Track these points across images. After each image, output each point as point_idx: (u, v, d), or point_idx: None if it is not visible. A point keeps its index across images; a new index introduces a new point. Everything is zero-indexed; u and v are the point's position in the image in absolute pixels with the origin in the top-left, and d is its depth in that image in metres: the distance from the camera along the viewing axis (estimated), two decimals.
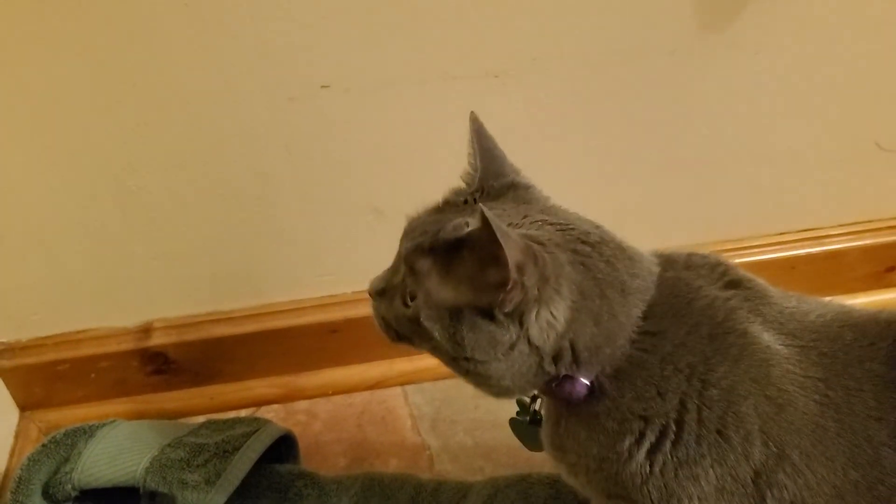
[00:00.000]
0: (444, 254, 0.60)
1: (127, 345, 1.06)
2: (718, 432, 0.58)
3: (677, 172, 1.05)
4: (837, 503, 0.56)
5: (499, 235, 0.53)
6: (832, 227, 1.13)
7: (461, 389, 1.14)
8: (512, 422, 0.79)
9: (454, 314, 0.59)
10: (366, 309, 1.08)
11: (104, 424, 0.96)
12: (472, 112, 0.69)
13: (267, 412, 1.11)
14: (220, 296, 1.07)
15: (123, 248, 1.01)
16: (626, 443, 0.60)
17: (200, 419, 1.08)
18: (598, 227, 0.65)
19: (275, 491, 0.96)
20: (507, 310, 0.57)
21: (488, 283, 0.57)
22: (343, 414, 1.10)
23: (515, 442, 1.05)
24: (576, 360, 0.61)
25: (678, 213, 1.09)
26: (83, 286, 1.03)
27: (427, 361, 1.12)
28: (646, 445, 0.60)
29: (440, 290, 0.60)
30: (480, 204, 0.59)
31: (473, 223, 0.60)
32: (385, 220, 1.02)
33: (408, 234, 0.65)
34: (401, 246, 0.66)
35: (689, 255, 0.66)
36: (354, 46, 0.88)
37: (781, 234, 1.13)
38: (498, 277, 0.56)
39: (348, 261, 1.06)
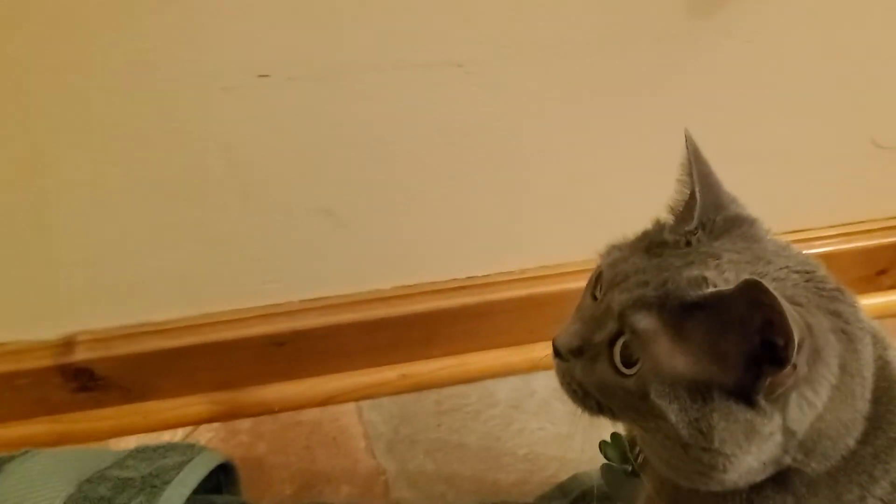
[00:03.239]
0: (676, 314, 0.48)
1: (47, 360, 0.95)
2: None
3: (658, 170, 0.96)
4: None
5: (786, 311, 0.42)
6: (823, 227, 1.07)
7: (422, 405, 1.07)
8: (605, 468, 0.67)
9: (697, 393, 0.47)
10: (315, 319, 1.01)
11: (14, 457, 0.84)
12: (686, 129, 0.56)
13: (206, 431, 1.01)
14: (152, 305, 0.96)
15: (40, 253, 0.90)
16: None
17: (133, 439, 0.99)
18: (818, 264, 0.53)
19: None
20: (774, 395, 0.46)
21: (740, 356, 0.46)
22: (290, 434, 1.00)
23: (481, 465, 0.98)
24: (813, 450, 0.50)
25: (659, 213, 1.01)
26: None
27: (384, 374, 1.06)
28: None
29: (672, 359, 0.48)
30: (755, 279, 0.43)
31: (714, 278, 0.48)
32: (336, 221, 0.92)
33: (616, 281, 0.52)
34: (604, 294, 0.53)
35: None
36: (298, 30, 0.78)
37: None
38: (745, 350, 0.45)
39: (295, 266, 0.96)
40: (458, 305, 1.01)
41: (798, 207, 1.05)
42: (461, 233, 0.98)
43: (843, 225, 1.08)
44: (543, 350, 1.05)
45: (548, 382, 1.04)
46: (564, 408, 1.01)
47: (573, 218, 0.98)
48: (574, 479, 0.92)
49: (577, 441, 0.99)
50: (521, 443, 0.99)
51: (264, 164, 0.87)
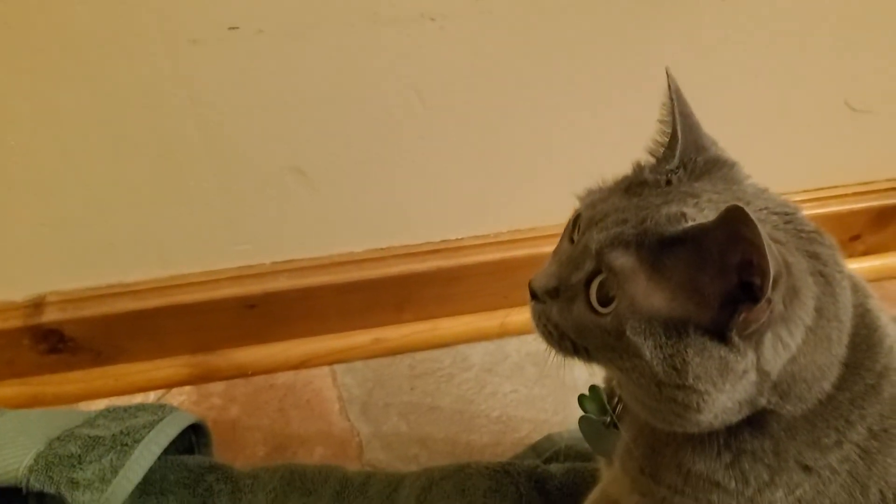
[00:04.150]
0: (653, 251, 0.48)
1: (15, 321, 0.94)
2: (863, 486, 0.51)
3: (631, 130, 0.96)
4: None
5: (765, 242, 0.42)
6: (796, 192, 1.07)
7: (395, 369, 1.07)
8: (584, 421, 0.67)
9: (672, 330, 0.47)
10: (287, 281, 1.00)
11: None
12: (667, 68, 0.56)
13: (178, 395, 1.00)
14: (122, 266, 0.95)
15: (7, 213, 0.88)
16: (776, 495, 0.51)
17: (103, 403, 0.98)
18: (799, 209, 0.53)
19: (182, 486, 0.86)
20: (748, 331, 0.46)
21: (717, 294, 0.46)
22: (263, 397, 1.00)
23: (454, 427, 0.98)
24: (788, 393, 0.50)
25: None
26: None
27: (359, 338, 1.05)
28: (793, 497, 0.51)
29: (649, 296, 0.48)
30: (739, 204, 0.43)
31: (693, 214, 0.48)
32: (307, 182, 0.91)
33: (595, 220, 0.52)
34: (581, 234, 0.53)
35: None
36: None
37: None
38: (722, 288, 0.45)
39: (267, 228, 0.95)
40: (431, 269, 1.01)
41: (771, 171, 1.02)
42: (435, 195, 0.97)
43: (817, 190, 1.08)
44: (517, 314, 1.06)
45: (521, 346, 1.05)
46: (537, 370, 1.02)
47: (547, 181, 0.98)
48: (547, 439, 0.93)
49: (550, 403, 0.99)
50: (494, 405, 0.99)
51: (234, 121, 0.85)
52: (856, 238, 1.12)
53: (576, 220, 0.55)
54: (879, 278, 1.15)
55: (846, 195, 1.08)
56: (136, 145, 0.85)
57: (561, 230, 0.58)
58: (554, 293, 0.53)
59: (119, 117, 0.83)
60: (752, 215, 0.42)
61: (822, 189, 1.08)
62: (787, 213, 0.51)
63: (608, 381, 0.66)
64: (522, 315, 1.09)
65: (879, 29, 0.94)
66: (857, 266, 1.12)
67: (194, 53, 0.79)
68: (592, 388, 0.67)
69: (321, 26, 0.80)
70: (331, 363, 1.03)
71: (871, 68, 0.97)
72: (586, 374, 0.63)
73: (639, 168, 0.56)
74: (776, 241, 0.47)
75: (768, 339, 0.47)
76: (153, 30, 0.77)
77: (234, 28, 0.78)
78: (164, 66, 0.80)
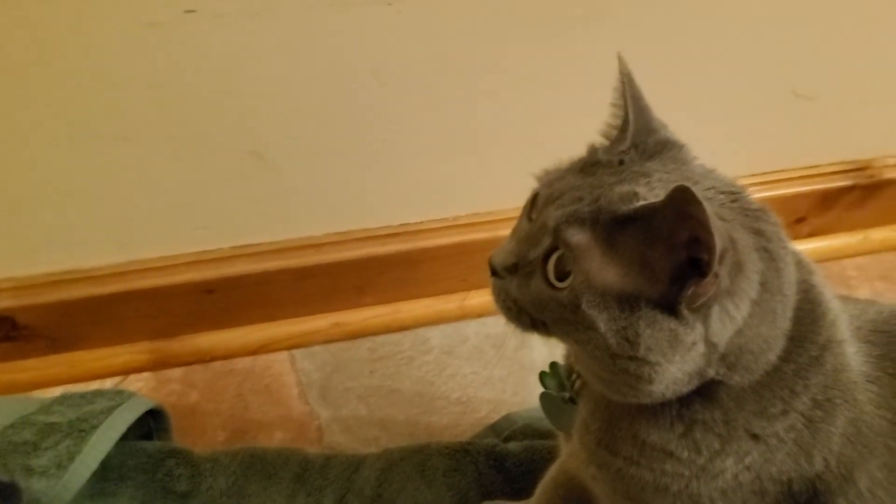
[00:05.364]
0: (607, 228, 0.50)
1: None
2: (807, 453, 0.53)
3: (585, 114, 0.97)
4: None
5: (711, 219, 0.44)
6: (744, 176, 1.07)
7: (355, 352, 1.07)
8: (544, 397, 0.68)
9: (625, 304, 0.49)
10: (246, 266, 0.99)
11: None
12: (619, 54, 0.57)
13: (136, 381, 0.99)
14: (78, 251, 0.94)
15: None
16: (726, 463, 0.53)
17: (59, 390, 0.96)
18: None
19: (142, 472, 0.85)
20: (696, 305, 0.48)
21: (667, 269, 0.48)
22: (222, 382, 1.00)
23: (414, 409, 0.99)
24: (735, 364, 0.52)
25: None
26: None
27: (318, 322, 1.05)
28: (742, 465, 0.53)
29: (603, 271, 0.50)
30: (686, 184, 0.45)
31: (645, 193, 0.50)
32: (266, 165, 0.91)
33: (552, 198, 0.54)
34: (539, 212, 0.54)
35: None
36: None
37: None
38: (671, 264, 0.47)
39: (225, 212, 0.95)
40: (391, 252, 1.01)
41: (719, 156, 1.05)
42: (394, 179, 0.97)
43: (764, 174, 1.11)
44: (477, 297, 1.07)
45: (480, 329, 1.06)
46: (496, 352, 1.04)
47: (505, 164, 0.98)
48: (506, 418, 0.94)
49: (509, 383, 1.01)
50: (453, 387, 1.00)
51: (192, 104, 0.85)
52: (801, 220, 1.15)
53: (534, 199, 0.57)
54: (823, 259, 1.18)
55: (792, 178, 1.12)
56: (91, 128, 0.84)
57: (519, 213, 0.60)
58: (513, 269, 0.55)
59: (73, 100, 0.82)
60: (699, 194, 0.43)
61: (769, 173, 1.11)
62: (733, 193, 0.54)
63: (567, 358, 0.68)
64: (482, 297, 1.11)
65: (824, 19, 0.97)
66: (803, 248, 1.12)
67: (151, 36, 0.78)
68: (552, 365, 0.68)
69: (279, 9, 0.80)
70: (290, 348, 1.04)
71: (815, 56, 1.00)
72: (544, 355, 0.65)
73: (593, 149, 0.57)
74: (722, 218, 0.49)
75: (715, 311, 0.49)
76: (109, 12, 0.76)
77: (190, 11, 0.78)
78: (120, 49, 0.79)
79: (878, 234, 1.21)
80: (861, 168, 1.13)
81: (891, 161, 1.14)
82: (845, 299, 0.60)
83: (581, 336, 0.51)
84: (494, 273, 0.56)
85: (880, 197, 1.15)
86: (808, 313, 0.55)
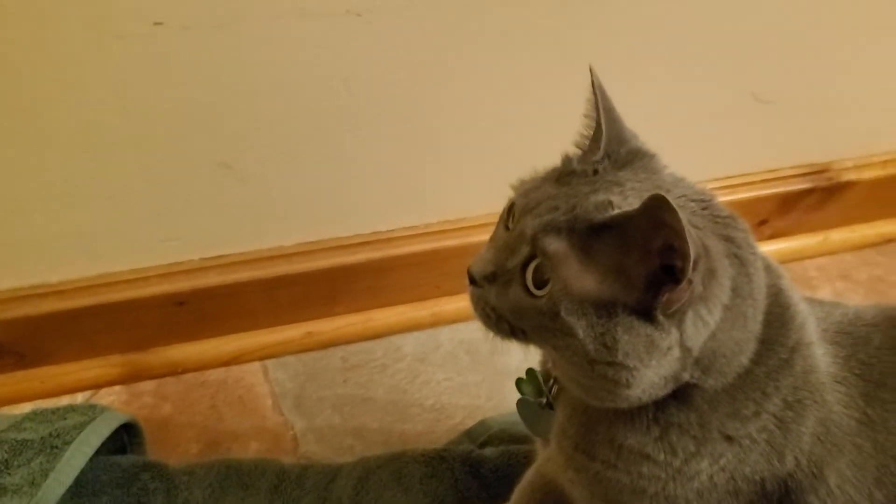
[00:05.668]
0: (584, 236, 0.51)
1: None
2: (779, 453, 0.55)
3: (555, 123, 0.98)
4: None
5: (685, 227, 0.45)
6: (707, 180, 1.11)
7: (328, 362, 1.07)
8: (521, 403, 0.69)
9: (603, 310, 0.50)
10: (217, 277, 0.99)
11: None
12: (590, 66, 0.58)
13: (108, 395, 0.99)
14: (46, 265, 0.93)
15: None
16: (701, 465, 0.55)
17: (28, 406, 0.96)
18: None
19: (116, 487, 0.84)
20: (671, 310, 0.49)
21: (642, 276, 0.49)
22: (195, 394, 0.99)
23: (388, 417, 0.99)
24: (709, 368, 0.53)
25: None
26: None
27: (290, 332, 1.05)
28: (717, 466, 0.55)
29: (580, 279, 0.50)
30: (661, 193, 0.46)
31: (619, 202, 0.51)
32: (235, 176, 0.91)
33: (529, 208, 0.54)
34: (517, 221, 0.55)
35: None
36: None
37: None
38: (646, 271, 0.48)
39: (195, 223, 0.94)
40: (362, 261, 1.01)
41: (685, 161, 1.07)
42: (364, 187, 0.98)
43: (726, 178, 1.13)
44: (449, 304, 1.08)
45: (453, 335, 1.07)
46: (470, 358, 1.05)
47: (474, 172, 1.00)
48: (481, 424, 0.95)
49: (483, 389, 1.01)
50: (427, 394, 1.01)
51: (160, 115, 0.85)
52: (763, 223, 1.18)
53: (510, 209, 0.58)
54: (785, 260, 1.21)
55: (754, 182, 1.14)
56: (59, 141, 0.84)
57: (490, 220, 0.61)
58: (491, 278, 0.55)
59: (41, 112, 0.81)
60: (673, 203, 0.45)
61: (731, 177, 1.13)
62: (703, 200, 0.55)
63: (544, 364, 0.69)
64: (454, 304, 1.12)
65: (783, 24, 0.99)
66: (765, 249, 1.15)
67: (119, 48, 0.78)
68: (529, 372, 0.69)
69: (247, 20, 0.80)
70: (262, 359, 1.03)
71: (775, 62, 1.03)
72: (518, 360, 0.66)
73: (567, 159, 0.58)
74: (694, 226, 0.51)
75: (689, 317, 0.50)
76: (77, 24, 0.76)
77: (158, 24, 0.78)
78: (88, 61, 0.79)
79: (838, 235, 1.24)
80: (820, 171, 1.16)
81: (849, 164, 1.17)
82: (811, 301, 0.62)
83: (560, 342, 0.52)
84: (473, 282, 0.57)
85: (839, 199, 1.18)
86: (778, 317, 0.56)
